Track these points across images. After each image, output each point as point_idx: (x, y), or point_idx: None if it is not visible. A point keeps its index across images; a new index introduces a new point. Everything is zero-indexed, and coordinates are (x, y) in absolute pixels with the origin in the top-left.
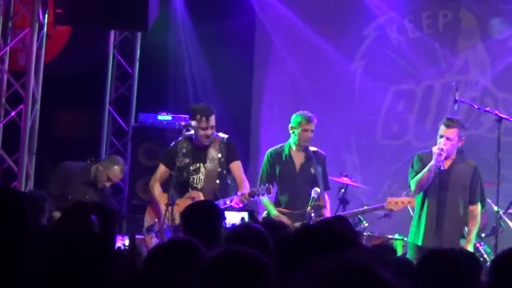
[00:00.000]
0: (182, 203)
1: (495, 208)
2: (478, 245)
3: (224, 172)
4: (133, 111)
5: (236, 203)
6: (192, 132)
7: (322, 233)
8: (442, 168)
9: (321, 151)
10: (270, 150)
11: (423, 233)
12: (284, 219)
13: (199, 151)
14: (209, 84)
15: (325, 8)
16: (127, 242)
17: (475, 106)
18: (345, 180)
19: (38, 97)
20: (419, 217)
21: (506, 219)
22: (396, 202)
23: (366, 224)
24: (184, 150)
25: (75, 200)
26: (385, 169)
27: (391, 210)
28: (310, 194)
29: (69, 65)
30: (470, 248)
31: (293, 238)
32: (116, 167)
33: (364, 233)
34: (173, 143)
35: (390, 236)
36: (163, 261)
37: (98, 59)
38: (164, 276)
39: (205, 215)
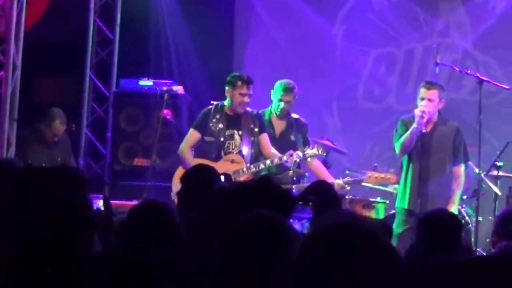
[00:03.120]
0: (220, 166)
1: (477, 171)
2: (460, 207)
3: (256, 142)
4: (114, 76)
5: (289, 162)
6: (225, 102)
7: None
8: (424, 131)
9: (302, 119)
10: None
11: (409, 197)
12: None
13: (232, 119)
14: (190, 49)
15: None
16: (100, 203)
17: (456, 69)
18: (326, 143)
19: (19, 63)
20: (405, 181)
21: (487, 181)
22: (376, 177)
23: (348, 188)
24: (218, 116)
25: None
26: (367, 132)
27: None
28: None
29: (50, 32)
30: (454, 209)
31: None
32: (55, 122)
33: (346, 197)
34: (204, 109)
35: (372, 199)
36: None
37: (79, 25)
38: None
39: (205, 179)
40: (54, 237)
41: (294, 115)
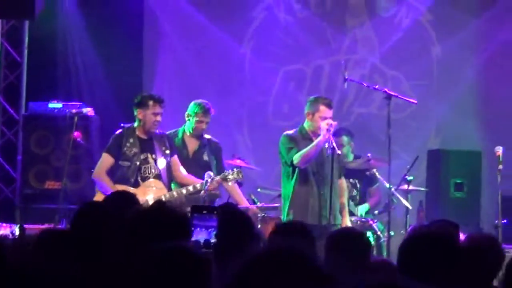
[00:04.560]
0: (141, 192)
1: (387, 185)
2: (371, 222)
3: (170, 164)
4: (23, 100)
5: (209, 188)
6: (134, 124)
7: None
8: (338, 152)
9: (215, 139)
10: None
11: (292, 210)
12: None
13: (145, 142)
14: (98, 71)
15: None
16: (17, 230)
17: (364, 84)
18: (238, 162)
19: None
20: (292, 195)
21: (398, 195)
22: None
23: (263, 214)
24: (131, 140)
25: None
26: (277, 150)
27: None
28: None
29: None
30: (348, 221)
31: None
32: None
33: (259, 215)
34: (116, 134)
35: None
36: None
37: None
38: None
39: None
40: None
41: (207, 136)
